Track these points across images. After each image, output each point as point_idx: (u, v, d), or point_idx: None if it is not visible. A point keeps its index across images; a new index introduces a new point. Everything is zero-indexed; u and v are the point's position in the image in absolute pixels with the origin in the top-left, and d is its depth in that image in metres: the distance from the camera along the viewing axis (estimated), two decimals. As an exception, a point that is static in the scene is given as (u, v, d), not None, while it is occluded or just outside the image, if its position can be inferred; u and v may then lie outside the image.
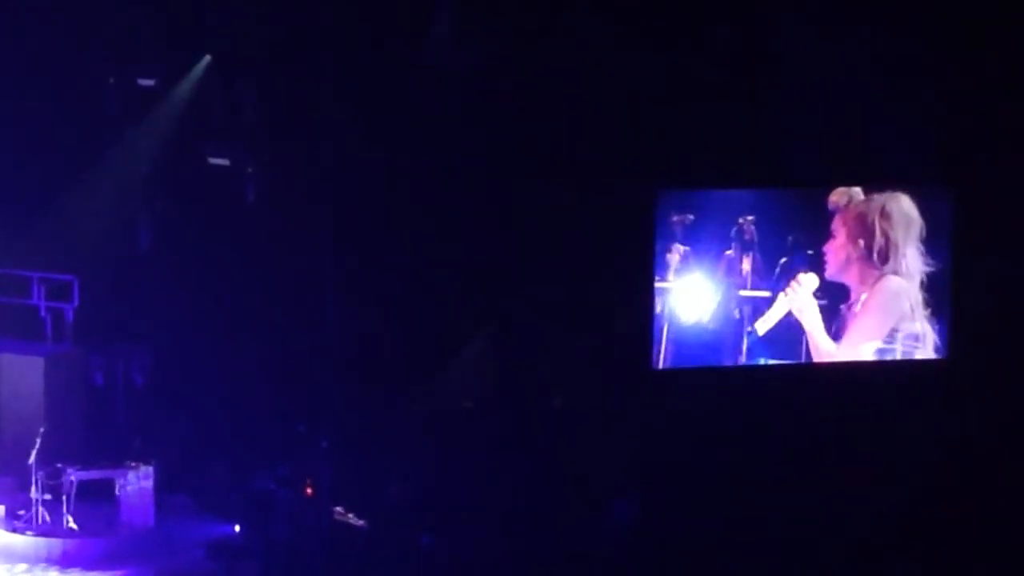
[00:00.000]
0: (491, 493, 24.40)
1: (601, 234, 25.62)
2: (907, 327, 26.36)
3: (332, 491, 24.33)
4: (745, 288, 25.95)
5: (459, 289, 26.01)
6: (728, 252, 25.89)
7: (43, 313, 26.09)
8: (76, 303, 25.92)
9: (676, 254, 25.76)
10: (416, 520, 23.73)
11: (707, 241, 25.83)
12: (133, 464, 24.14)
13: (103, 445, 25.17)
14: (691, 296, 25.85)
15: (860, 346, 26.23)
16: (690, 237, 25.77)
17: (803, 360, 26.10)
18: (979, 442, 25.57)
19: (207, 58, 26.06)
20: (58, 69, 25.77)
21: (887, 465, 25.19)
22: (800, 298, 25.93)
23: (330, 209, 25.68)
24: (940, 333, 26.43)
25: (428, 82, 25.48)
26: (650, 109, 25.53)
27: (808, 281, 25.93)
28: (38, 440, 23.89)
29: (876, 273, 26.18)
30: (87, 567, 23.26)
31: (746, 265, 25.92)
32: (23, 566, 23.32)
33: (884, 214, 26.11)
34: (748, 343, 25.92)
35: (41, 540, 23.59)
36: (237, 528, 24.05)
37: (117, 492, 23.99)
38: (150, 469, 24.18)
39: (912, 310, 26.31)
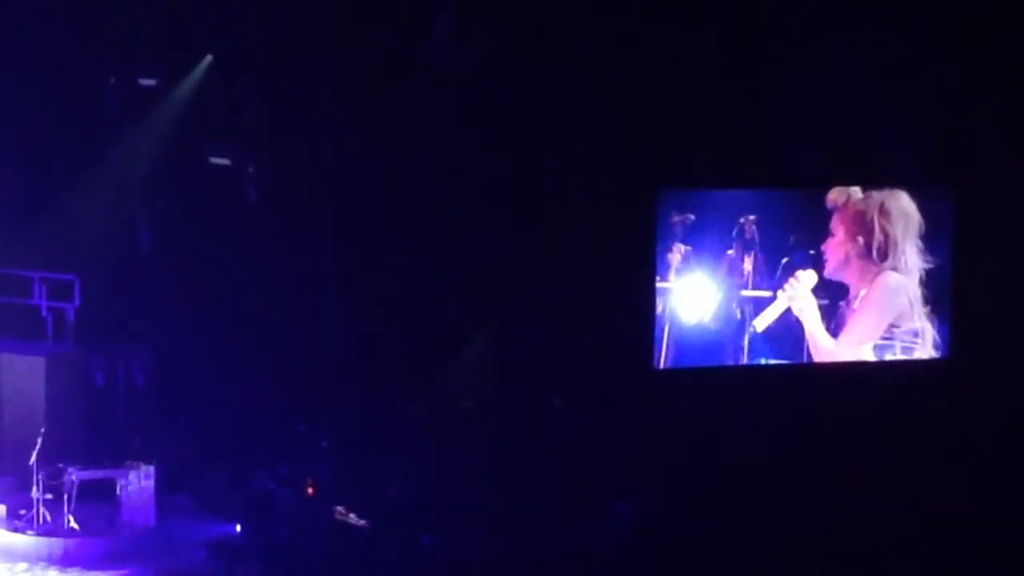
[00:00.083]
0: (491, 493, 24.39)
1: (601, 234, 25.60)
2: (906, 323, 26.36)
3: (332, 491, 24.30)
4: (746, 288, 25.94)
5: (459, 289, 26.00)
6: (729, 252, 25.88)
7: (44, 313, 26.15)
8: (77, 303, 25.96)
9: (677, 254, 25.75)
10: (416, 520, 23.70)
11: (708, 241, 25.81)
12: (134, 464, 24.19)
13: (104, 445, 25.22)
14: (692, 296, 25.84)
15: (859, 342, 26.24)
16: (691, 237, 25.76)
17: (804, 360, 26.11)
18: (979, 442, 25.55)
19: (208, 58, 26.07)
20: (58, 69, 25.79)
21: (887, 465, 25.19)
22: (800, 296, 25.93)
23: (330, 209, 25.69)
24: (940, 331, 26.44)
25: (428, 82, 25.47)
26: (650, 109, 25.51)
27: (806, 277, 25.92)
28: (39, 440, 23.91)
29: (875, 270, 26.19)
30: (88, 567, 23.29)
31: (747, 265, 25.91)
32: (24, 565, 23.34)
33: (883, 211, 26.12)
34: (749, 342, 25.91)
35: (42, 540, 23.62)
36: (238, 528, 24.05)
37: (118, 492, 24.02)
38: (151, 469, 24.23)
39: (911, 306, 26.32)
